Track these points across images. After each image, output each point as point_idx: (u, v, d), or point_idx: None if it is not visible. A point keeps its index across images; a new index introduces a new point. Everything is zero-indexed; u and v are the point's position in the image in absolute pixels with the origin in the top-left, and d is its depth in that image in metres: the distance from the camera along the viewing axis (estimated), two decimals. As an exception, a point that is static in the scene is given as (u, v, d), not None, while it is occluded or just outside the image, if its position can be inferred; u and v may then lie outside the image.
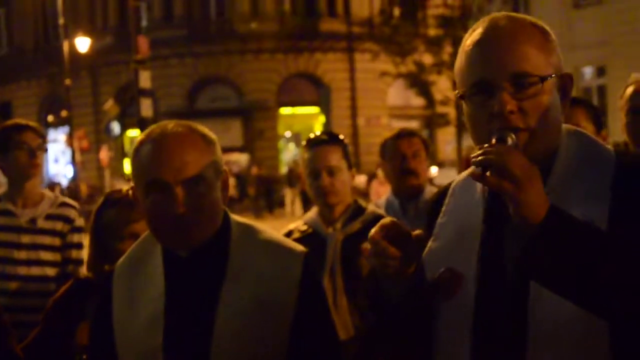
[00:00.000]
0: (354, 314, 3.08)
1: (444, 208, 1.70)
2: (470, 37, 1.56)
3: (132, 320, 1.85)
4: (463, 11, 23.04)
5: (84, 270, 2.80)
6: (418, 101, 29.03)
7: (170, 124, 1.81)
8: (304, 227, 3.29)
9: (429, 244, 1.66)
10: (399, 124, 26.73)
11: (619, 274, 1.32)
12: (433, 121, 26.30)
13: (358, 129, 32.24)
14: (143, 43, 10.43)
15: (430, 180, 4.03)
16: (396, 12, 29.36)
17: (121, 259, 1.97)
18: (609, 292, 1.33)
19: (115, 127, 24.06)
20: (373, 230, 1.47)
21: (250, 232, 1.90)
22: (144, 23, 19.04)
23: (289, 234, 3.29)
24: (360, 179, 17.15)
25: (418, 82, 24.62)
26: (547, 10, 19.54)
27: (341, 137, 3.29)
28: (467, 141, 25.17)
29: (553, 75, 1.51)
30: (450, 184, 1.75)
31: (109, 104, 22.79)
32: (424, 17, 25.46)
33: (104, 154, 27.17)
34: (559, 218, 1.34)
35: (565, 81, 1.56)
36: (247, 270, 1.82)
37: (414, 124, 27.35)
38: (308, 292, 1.83)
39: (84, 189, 26.34)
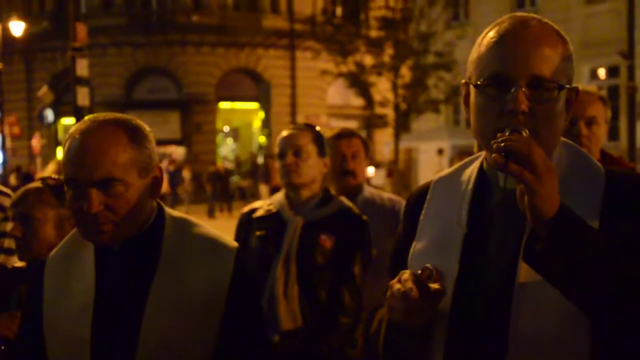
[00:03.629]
0: (304, 304, 3.09)
1: (425, 205, 1.70)
2: (495, 30, 1.54)
3: (61, 311, 1.84)
4: (404, 14, 23.31)
5: (14, 260, 2.75)
6: (357, 101, 29.21)
7: (98, 118, 1.79)
8: (270, 207, 3.30)
9: (414, 244, 1.67)
10: (338, 124, 26.85)
11: (615, 274, 1.35)
12: (371, 122, 26.52)
13: (297, 126, 32.23)
14: (81, 30, 10.19)
15: (368, 181, 4.07)
16: (339, 11, 29.54)
17: (54, 250, 1.97)
18: (607, 288, 1.35)
19: (49, 115, 23.37)
20: (411, 287, 1.45)
21: (184, 226, 1.90)
22: (82, 10, 18.61)
23: (253, 210, 3.34)
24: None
25: (358, 83, 24.79)
26: (487, 13, 19.93)
27: (317, 128, 3.34)
28: (404, 143, 25.48)
29: (567, 86, 1.53)
30: (430, 182, 1.75)
31: (43, 91, 22.15)
32: (366, 19, 25.66)
33: (36, 142, 26.44)
34: (571, 215, 1.36)
35: (572, 94, 1.57)
36: (178, 264, 1.82)
37: (352, 124, 27.49)
38: (239, 288, 1.84)
39: (13, 178, 25.62)
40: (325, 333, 3.09)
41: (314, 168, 3.22)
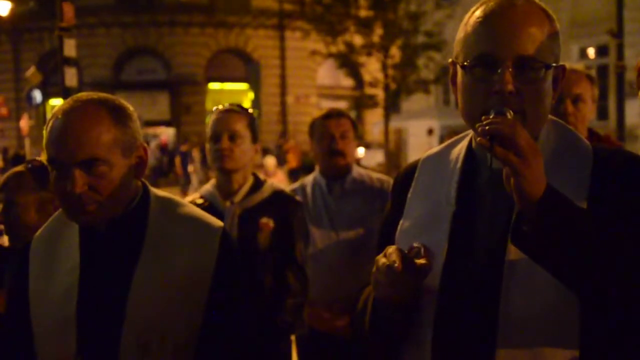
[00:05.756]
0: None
1: (413, 183, 1.70)
2: (481, 9, 1.53)
3: (47, 292, 1.85)
4: (394, -6, 23.17)
5: (5, 240, 2.76)
6: (347, 82, 29.14)
7: (81, 98, 1.79)
8: (200, 201, 3.24)
9: (401, 222, 1.67)
10: (328, 104, 26.78)
11: (602, 254, 1.36)
12: (361, 102, 26.43)
13: (287, 107, 32.16)
14: (68, 10, 10.08)
15: (358, 161, 4.07)
16: (328, -9, 29.33)
17: (40, 230, 1.97)
18: (594, 268, 1.36)
19: (37, 95, 23.25)
20: (394, 259, 1.45)
21: (170, 206, 1.91)
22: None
23: None
24: (270, 161, 16.68)
25: (348, 63, 24.67)
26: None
27: (250, 110, 3.26)
28: (394, 124, 25.44)
29: (554, 65, 1.53)
30: (418, 160, 1.75)
31: (31, 71, 21.97)
32: (356, -2, 25.49)
33: (25, 123, 26.27)
34: (557, 196, 1.37)
35: (558, 72, 1.57)
36: (164, 244, 1.83)
37: (342, 104, 27.42)
38: (225, 267, 1.85)
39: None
40: (274, 315, 3.09)
41: (247, 154, 3.18)
